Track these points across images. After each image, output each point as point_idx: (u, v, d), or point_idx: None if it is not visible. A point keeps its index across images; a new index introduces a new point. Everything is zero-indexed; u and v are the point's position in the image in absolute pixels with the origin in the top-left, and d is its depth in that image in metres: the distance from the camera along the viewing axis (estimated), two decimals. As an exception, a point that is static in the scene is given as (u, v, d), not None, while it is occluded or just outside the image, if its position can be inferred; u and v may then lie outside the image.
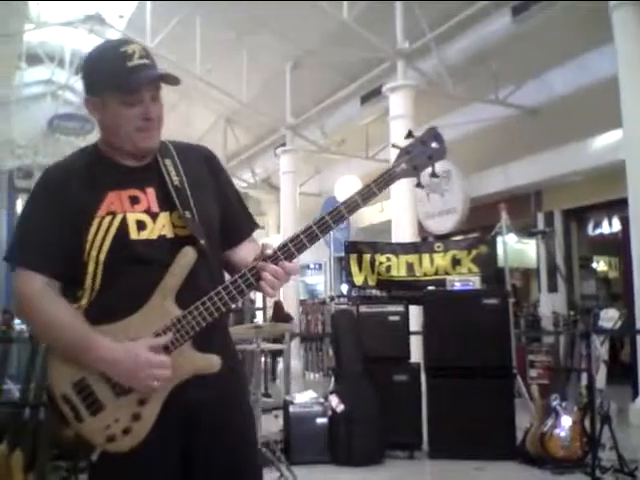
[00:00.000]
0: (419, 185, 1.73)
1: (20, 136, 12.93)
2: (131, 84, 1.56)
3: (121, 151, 1.65)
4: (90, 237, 1.58)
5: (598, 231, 10.53)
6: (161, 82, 1.63)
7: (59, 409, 1.57)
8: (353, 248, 6.24)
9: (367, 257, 6.15)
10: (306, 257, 14.13)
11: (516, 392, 5.77)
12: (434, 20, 8.73)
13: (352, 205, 1.63)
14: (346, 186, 12.27)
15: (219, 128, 14.49)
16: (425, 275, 6.11)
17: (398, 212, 9.09)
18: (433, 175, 1.73)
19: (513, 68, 9.32)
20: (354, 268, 6.13)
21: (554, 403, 4.81)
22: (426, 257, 6.17)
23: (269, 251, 1.58)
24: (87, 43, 14.05)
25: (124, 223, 1.59)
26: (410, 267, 6.17)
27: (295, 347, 11.06)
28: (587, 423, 4.64)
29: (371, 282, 6.14)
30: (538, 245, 10.32)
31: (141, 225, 1.60)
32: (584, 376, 4.91)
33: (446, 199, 10.62)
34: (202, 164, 1.77)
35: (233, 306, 1.62)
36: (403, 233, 8.68)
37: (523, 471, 4.83)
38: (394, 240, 8.43)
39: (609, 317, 5.73)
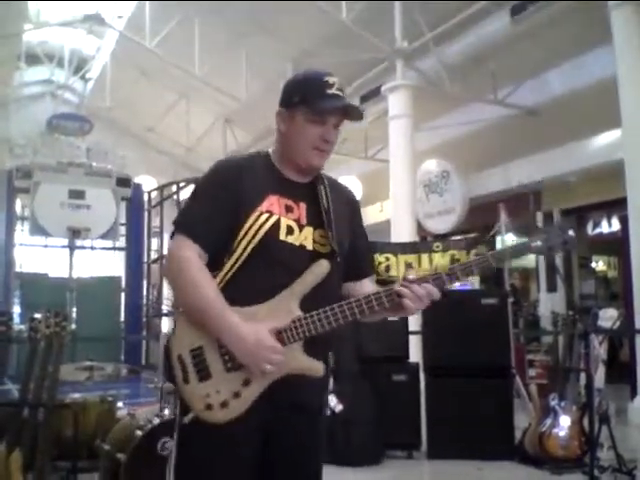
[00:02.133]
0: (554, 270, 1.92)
1: (19, 136, 12.91)
2: (324, 105, 1.78)
3: (289, 164, 1.86)
4: (247, 226, 1.76)
5: (597, 231, 10.53)
6: (347, 115, 1.84)
7: (171, 367, 1.72)
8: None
9: (366, 257, 6.15)
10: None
11: (515, 392, 5.77)
12: (433, 20, 8.74)
13: (484, 264, 1.84)
14: (345, 186, 12.26)
15: (218, 128, 14.50)
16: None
17: (397, 212, 9.10)
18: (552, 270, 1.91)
19: (512, 68, 9.32)
20: (353, 268, 6.13)
21: (553, 403, 4.82)
22: (425, 257, 6.17)
23: (411, 276, 1.76)
24: (86, 43, 14.10)
25: (277, 224, 1.78)
26: (409, 266, 6.17)
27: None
28: (586, 423, 4.64)
29: (370, 282, 6.14)
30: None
31: (290, 230, 1.80)
32: (583, 376, 4.92)
33: (445, 199, 10.63)
34: (345, 202, 1.97)
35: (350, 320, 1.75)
36: (402, 233, 8.68)
37: (522, 471, 4.83)
38: (393, 240, 8.43)
39: (608, 317, 5.74)
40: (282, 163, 1.87)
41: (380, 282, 6.29)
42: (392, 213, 9.29)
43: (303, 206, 1.84)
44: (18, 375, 4.34)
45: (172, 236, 1.82)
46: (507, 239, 7.09)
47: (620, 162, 6.63)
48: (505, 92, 9.77)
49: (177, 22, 10.33)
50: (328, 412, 5.18)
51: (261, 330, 1.66)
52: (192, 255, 1.74)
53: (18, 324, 5.34)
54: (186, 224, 1.81)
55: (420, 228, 9.97)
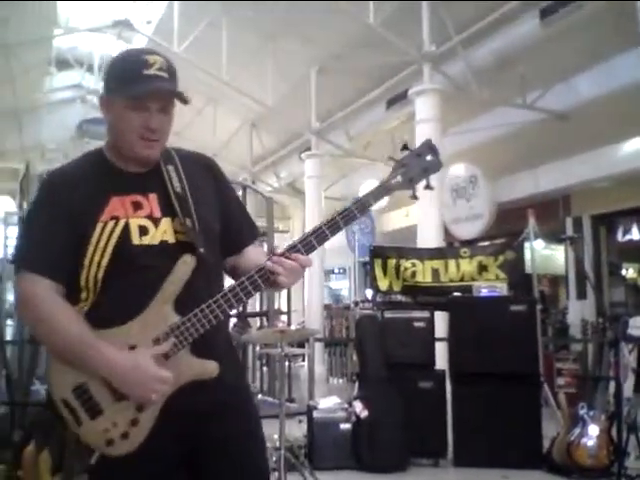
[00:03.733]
0: (428, 187, 1.81)
1: (50, 140, 13.11)
2: (135, 90, 1.59)
3: (125, 156, 1.68)
4: (93, 241, 1.60)
5: (627, 237, 10.37)
6: (169, 97, 1.65)
7: (59, 414, 1.60)
8: (378, 253, 6.22)
9: (392, 262, 6.12)
10: (331, 262, 14.13)
11: (543, 400, 5.70)
12: (461, 23, 8.68)
13: (349, 215, 1.69)
14: (371, 190, 12.25)
15: (245, 132, 14.56)
16: (451, 281, 6.07)
17: (423, 217, 9.04)
18: (427, 187, 1.80)
19: (541, 72, 9.23)
20: (379, 273, 6.11)
21: (581, 412, 4.75)
22: (452, 263, 6.13)
23: (279, 251, 1.64)
24: (116, 48, 14.26)
25: (127, 228, 1.62)
26: (436, 273, 6.13)
27: (319, 352, 11.04)
28: (614, 432, 4.57)
29: (396, 287, 6.12)
30: (567, 251, 10.19)
31: (143, 230, 1.63)
32: (612, 384, 4.84)
33: (472, 204, 10.54)
34: (204, 172, 1.81)
35: (231, 312, 1.65)
36: (428, 238, 8.62)
37: (549, 480, 4.78)
38: (419, 245, 8.38)
39: (638, 325, 5.64)
40: (118, 156, 1.69)
41: (406, 288, 6.29)
42: (418, 218, 9.24)
43: (153, 197, 1.67)
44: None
45: (16, 274, 1.64)
46: (536, 246, 7.01)
47: (651, 168, 6.52)
48: (534, 96, 9.67)
49: (204, 27, 10.41)
50: (353, 418, 5.16)
51: (140, 359, 1.53)
52: (42, 292, 1.58)
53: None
54: (26, 259, 1.64)
55: (447, 234, 9.89)
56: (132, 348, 1.57)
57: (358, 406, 5.19)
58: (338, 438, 5.11)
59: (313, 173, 12.45)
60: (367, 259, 7.07)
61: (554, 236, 9.39)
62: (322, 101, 11.60)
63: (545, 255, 11.31)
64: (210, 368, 1.61)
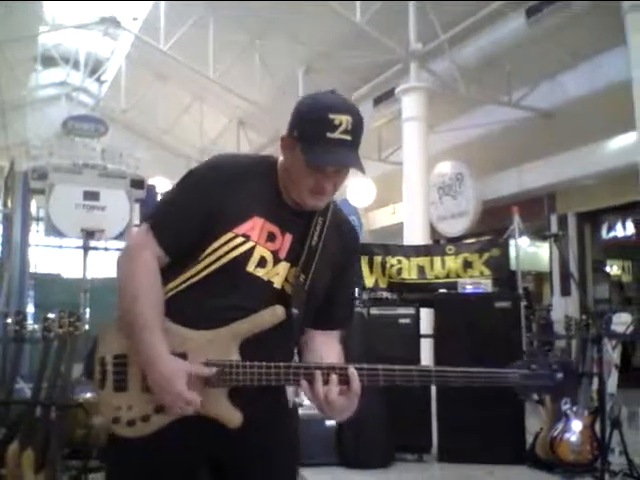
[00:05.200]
0: (539, 402, 1.79)
1: (35, 137, 13.02)
2: (317, 161, 1.57)
3: (287, 191, 1.67)
4: (216, 245, 1.60)
5: (612, 234, 10.46)
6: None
7: (91, 367, 1.60)
8: (364, 250, 6.23)
9: (378, 259, 6.14)
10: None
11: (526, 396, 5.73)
12: (447, 22, 8.72)
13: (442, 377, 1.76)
14: (358, 188, 12.26)
15: (232, 130, 14.54)
16: (436, 278, 6.09)
17: (410, 214, 9.08)
18: (538, 402, 1.77)
19: (526, 70, 9.28)
20: (365, 270, 6.12)
21: (565, 407, 4.79)
22: (438, 260, 6.15)
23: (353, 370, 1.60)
24: (101, 45, 14.20)
25: (250, 252, 1.61)
26: (421, 270, 6.15)
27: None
28: (597, 427, 4.62)
29: (382, 284, 6.13)
30: (551, 248, 10.26)
31: (262, 262, 1.62)
32: (595, 380, 4.88)
33: (458, 202, 10.59)
34: (342, 243, 1.77)
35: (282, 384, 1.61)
36: (415, 235, 8.66)
37: (533, 475, 4.82)
38: (406, 242, 8.41)
39: (622, 321, 5.69)
40: (283, 185, 1.68)
41: (392, 285, 6.29)
42: (405, 216, 9.28)
43: (289, 238, 1.66)
44: (31, 374, 4.37)
45: (140, 224, 1.67)
46: (521, 243, 7.05)
47: (635, 165, 6.58)
48: (520, 94, 9.73)
49: (191, 24, 10.38)
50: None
51: (177, 372, 1.51)
52: (149, 259, 1.60)
53: (31, 324, 5.39)
54: (158, 222, 1.66)
55: (433, 231, 9.93)
56: (181, 355, 1.56)
57: (343, 403, 5.20)
58: (323, 435, 5.12)
59: (300, 171, 12.44)
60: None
61: (539, 233, 9.46)
62: (309, 99, 11.59)
63: (530, 252, 11.39)
64: (234, 419, 1.57)
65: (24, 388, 4.30)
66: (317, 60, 10.80)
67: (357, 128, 1.59)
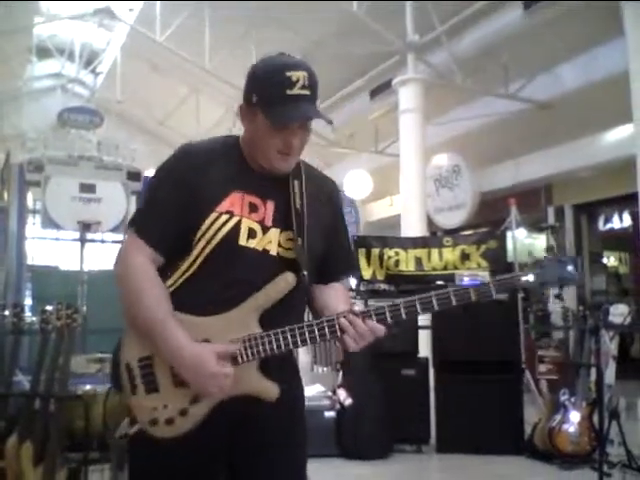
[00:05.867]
0: (559, 296, 1.79)
1: (30, 129, 12.97)
2: (283, 116, 1.59)
3: (256, 160, 1.69)
4: (203, 228, 1.61)
5: (609, 226, 10.47)
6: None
7: (118, 376, 1.61)
8: (362, 242, 6.23)
9: (376, 251, 6.14)
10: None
11: (525, 387, 5.76)
12: (444, 13, 8.69)
13: (463, 295, 1.67)
14: (355, 180, 12.25)
15: (228, 121, 14.48)
16: (434, 270, 6.10)
17: (407, 206, 9.07)
18: (558, 296, 1.78)
19: (524, 62, 9.26)
20: (363, 262, 6.12)
21: (563, 398, 4.81)
22: (435, 252, 6.16)
23: (357, 308, 1.62)
24: (97, 36, 14.12)
25: (237, 227, 1.63)
26: (419, 262, 6.16)
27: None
28: (595, 418, 4.63)
29: (379, 276, 6.14)
30: (548, 240, 10.27)
31: (251, 233, 1.64)
32: (593, 371, 4.90)
33: (455, 194, 10.59)
34: (325, 195, 1.81)
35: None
36: (412, 227, 8.66)
37: (531, 466, 4.83)
38: (403, 234, 8.41)
39: (619, 312, 5.70)
40: (250, 156, 1.70)
41: (390, 277, 6.30)
42: (402, 208, 9.27)
43: (271, 205, 1.68)
44: (29, 367, 4.36)
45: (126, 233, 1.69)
46: (518, 234, 7.06)
47: (632, 157, 6.57)
48: (517, 86, 9.71)
49: (187, 15, 10.33)
50: (337, 406, 5.19)
51: (204, 354, 1.53)
52: (142, 261, 1.62)
53: (29, 316, 5.37)
54: (139, 224, 1.68)
55: (430, 223, 9.93)
56: (205, 342, 1.57)
57: (342, 394, 5.22)
58: (322, 426, 5.13)
59: (297, 163, 12.42)
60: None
61: (536, 225, 9.47)
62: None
63: (527, 244, 11.40)
64: (270, 390, 1.60)
65: (22, 380, 4.29)
66: (313, 50, 10.75)
67: (313, 83, 1.62)
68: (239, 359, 1.56)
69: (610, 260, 11.68)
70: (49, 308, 3.78)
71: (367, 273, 6.12)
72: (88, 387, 4.04)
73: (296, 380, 1.78)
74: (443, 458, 5.19)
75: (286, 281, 1.60)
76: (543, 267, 1.65)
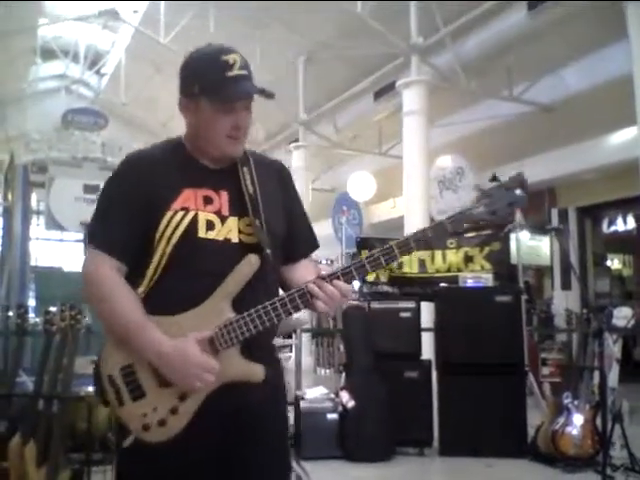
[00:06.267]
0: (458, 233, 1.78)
1: (35, 130, 13.02)
2: (230, 95, 1.63)
3: (203, 152, 1.71)
4: (161, 228, 1.63)
5: (612, 229, 10.46)
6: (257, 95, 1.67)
7: (103, 390, 1.62)
8: (365, 244, 6.23)
9: (379, 253, 6.14)
10: (318, 253, 14.13)
11: (528, 390, 5.75)
12: (449, 15, 8.69)
13: (420, 239, 1.68)
14: (359, 182, 12.25)
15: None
16: (437, 272, 6.10)
17: (410, 208, 9.07)
18: (556, 230, 1.76)
19: (528, 64, 9.26)
20: (366, 264, 6.12)
21: (566, 401, 4.80)
22: (438, 254, 6.16)
23: (324, 272, 1.63)
24: (101, 38, 14.16)
25: (195, 220, 1.64)
26: (422, 264, 6.16)
27: (306, 343, 11.07)
28: (599, 421, 4.62)
29: (383, 278, 6.13)
30: (552, 242, 10.26)
31: (210, 225, 1.66)
32: (596, 374, 4.89)
33: (459, 196, 10.57)
34: (275, 177, 1.83)
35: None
36: (415, 229, 8.63)
37: (534, 469, 4.82)
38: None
39: (622, 315, 5.70)
40: (196, 151, 1.72)
41: (393, 279, 6.30)
42: (405, 209, 9.27)
43: (225, 195, 1.70)
44: (33, 368, 4.37)
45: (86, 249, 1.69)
46: (521, 237, 7.05)
47: (636, 160, 6.57)
48: (521, 89, 9.71)
49: (191, 17, 10.35)
50: (340, 408, 5.18)
51: (187, 346, 1.54)
52: (107, 272, 1.62)
53: (33, 317, 5.38)
54: (96, 237, 1.68)
55: (433, 225, 9.92)
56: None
57: (345, 396, 5.21)
58: (325, 428, 5.13)
59: (300, 164, 12.43)
60: (354, 250, 7.07)
61: (540, 227, 9.46)
62: (309, 92, 11.58)
63: (530, 246, 11.38)
64: (256, 372, 1.62)
65: (26, 381, 4.30)
66: (317, 52, 10.78)
67: (247, 64, 1.68)
68: (220, 346, 1.57)
69: (614, 263, 11.67)
70: (53, 309, 3.79)
71: (370, 275, 6.12)
72: (91, 388, 4.05)
73: (275, 358, 1.81)
74: (446, 461, 5.17)
75: (249, 263, 1.61)
76: (491, 196, 1.65)
